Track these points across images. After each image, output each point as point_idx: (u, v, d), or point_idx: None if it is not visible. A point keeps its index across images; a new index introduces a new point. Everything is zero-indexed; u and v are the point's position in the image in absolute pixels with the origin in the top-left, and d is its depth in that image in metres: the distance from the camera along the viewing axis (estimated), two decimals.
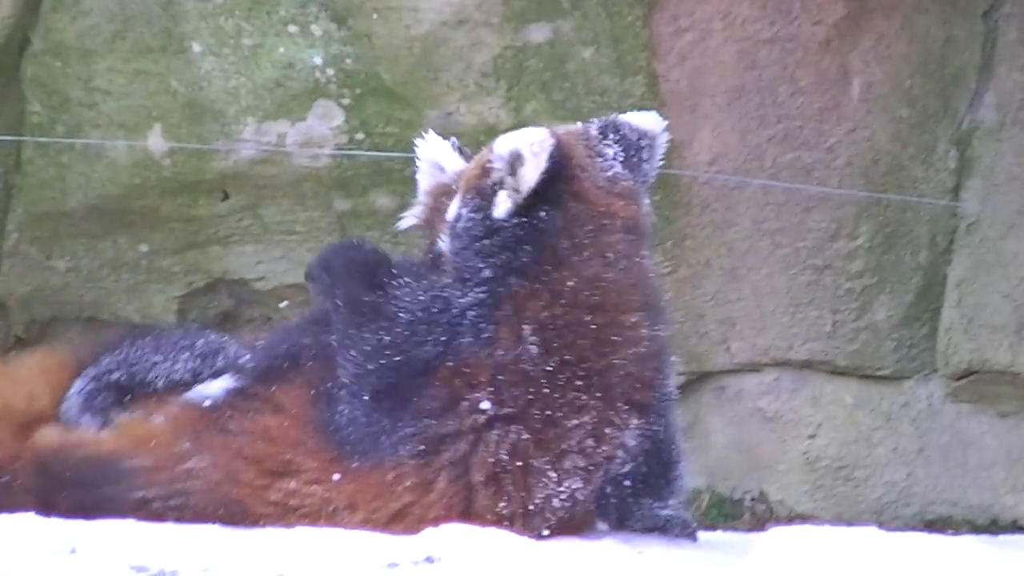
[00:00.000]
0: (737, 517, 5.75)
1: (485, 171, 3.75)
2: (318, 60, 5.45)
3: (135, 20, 5.46)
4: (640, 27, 5.49)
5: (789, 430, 5.81)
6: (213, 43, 5.46)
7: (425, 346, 3.60)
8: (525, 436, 3.52)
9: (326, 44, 5.44)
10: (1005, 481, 5.80)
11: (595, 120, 3.97)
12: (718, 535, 4.70)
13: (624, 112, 4.09)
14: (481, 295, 3.65)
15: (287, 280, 5.62)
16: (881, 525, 5.10)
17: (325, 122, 5.50)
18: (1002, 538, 4.85)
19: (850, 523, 5.13)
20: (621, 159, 3.84)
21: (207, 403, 3.72)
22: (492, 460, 3.53)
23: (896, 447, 5.81)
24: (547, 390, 3.53)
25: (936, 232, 5.73)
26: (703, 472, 5.79)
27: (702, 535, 4.04)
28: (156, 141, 5.53)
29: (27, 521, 3.42)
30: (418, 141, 4.22)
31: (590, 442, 3.56)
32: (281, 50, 5.45)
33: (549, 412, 3.53)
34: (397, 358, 3.60)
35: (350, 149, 5.50)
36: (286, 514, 3.56)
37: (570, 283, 3.61)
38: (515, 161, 3.67)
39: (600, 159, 3.81)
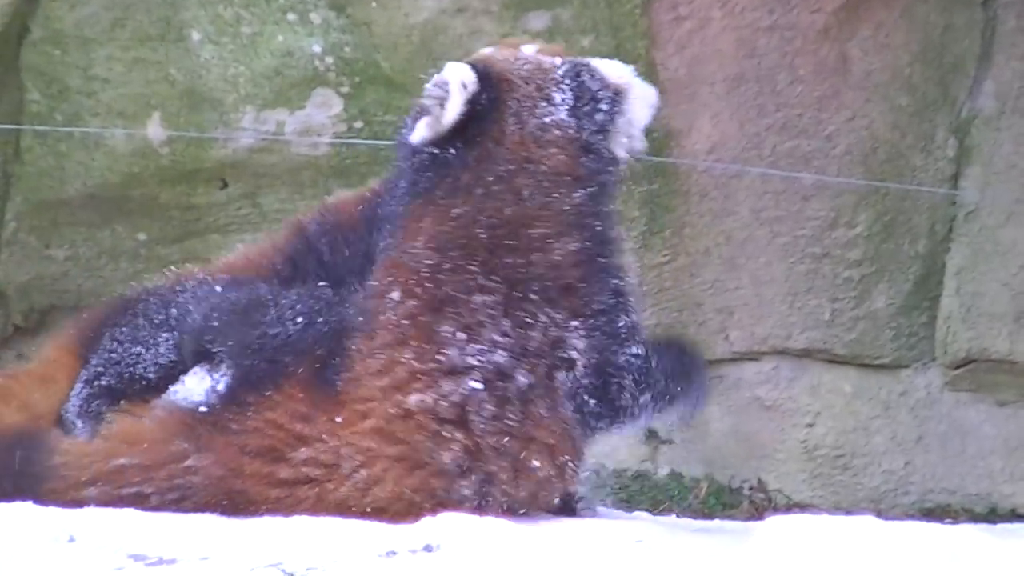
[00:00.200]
0: (735, 506, 5.75)
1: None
2: (317, 48, 5.45)
3: (134, 8, 5.46)
4: (639, 15, 5.49)
5: (788, 419, 5.81)
6: (212, 31, 5.46)
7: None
8: (425, 313, 3.60)
9: (325, 32, 5.44)
10: (1003, 469, 5.81)
11: (567, 60, 3.87)
12: (716, 523, 4.69)
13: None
14: (397, 208, 3.74)
15: None
16: (879, 514, 5.12)
17: (324, 110, 5.50)
18: (1000, 526, 4.84)
19: (848, 512, 5.14)
20: (569, 106, 3.80)
21: (201, 409, 3.68)
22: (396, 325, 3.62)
23: (894, 436, 5.81)
24: (442, 276, 3.60)
25: (935, 220, 5.73)
26: (702, 461, 5.80)
27: (700, 523, 4.04)
28: (155, 129, 5.53)
29: (25, 509, 3.41)
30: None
31: (506, 322, 3.57)
32: (280, 38, 5.45)
33: (446, 289, 3.60)
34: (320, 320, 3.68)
35: (349, 137, 5.50)
36: (296, 488, 3.53)
37: (459, 209, 3.64)
38: (443, 94, 3.68)
39: (545, 103, 3.78)
